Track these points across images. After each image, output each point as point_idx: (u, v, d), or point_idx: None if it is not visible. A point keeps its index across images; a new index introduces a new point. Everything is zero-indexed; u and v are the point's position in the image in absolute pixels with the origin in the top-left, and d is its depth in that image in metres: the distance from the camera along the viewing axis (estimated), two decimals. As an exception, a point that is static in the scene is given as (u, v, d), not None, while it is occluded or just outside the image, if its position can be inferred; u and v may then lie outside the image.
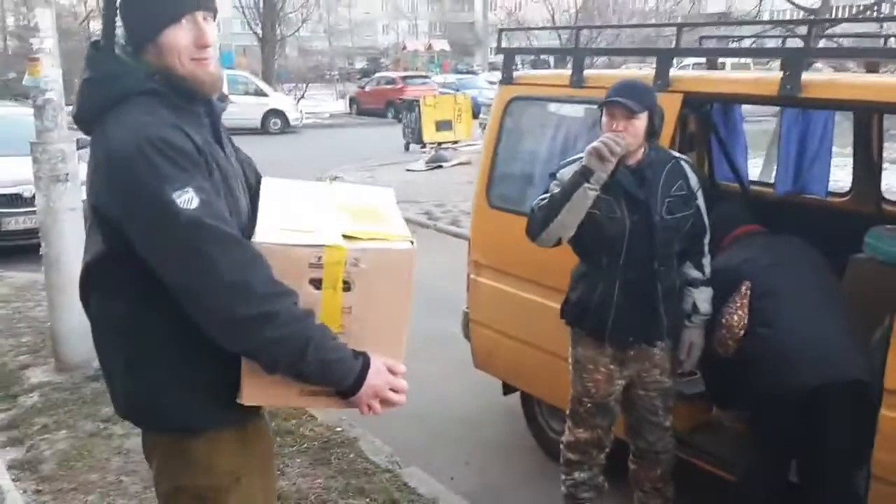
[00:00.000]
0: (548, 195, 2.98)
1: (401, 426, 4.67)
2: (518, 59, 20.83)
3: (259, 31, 28.71)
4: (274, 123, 22.74)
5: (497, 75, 4.90)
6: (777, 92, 3.00)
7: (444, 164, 15.26)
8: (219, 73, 1.76)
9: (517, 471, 4.21)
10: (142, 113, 1.64)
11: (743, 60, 16.66)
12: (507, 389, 4.45)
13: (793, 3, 10.36)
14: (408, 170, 15.05)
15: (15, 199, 8.22)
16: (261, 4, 28.39)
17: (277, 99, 23.99)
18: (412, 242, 1.80)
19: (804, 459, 3.06)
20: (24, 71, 4.94)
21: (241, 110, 21.88)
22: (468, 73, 38.89)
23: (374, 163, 15.89)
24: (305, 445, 4.12)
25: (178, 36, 1.68)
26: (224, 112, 1.90)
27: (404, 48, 46.50)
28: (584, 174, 2.83)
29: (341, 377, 1.72)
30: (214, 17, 1.75)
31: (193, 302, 1.63)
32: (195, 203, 1.59)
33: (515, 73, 4.20)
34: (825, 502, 2.97)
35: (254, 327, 1.62)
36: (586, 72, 3.76)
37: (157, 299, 1.66)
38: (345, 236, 1.75)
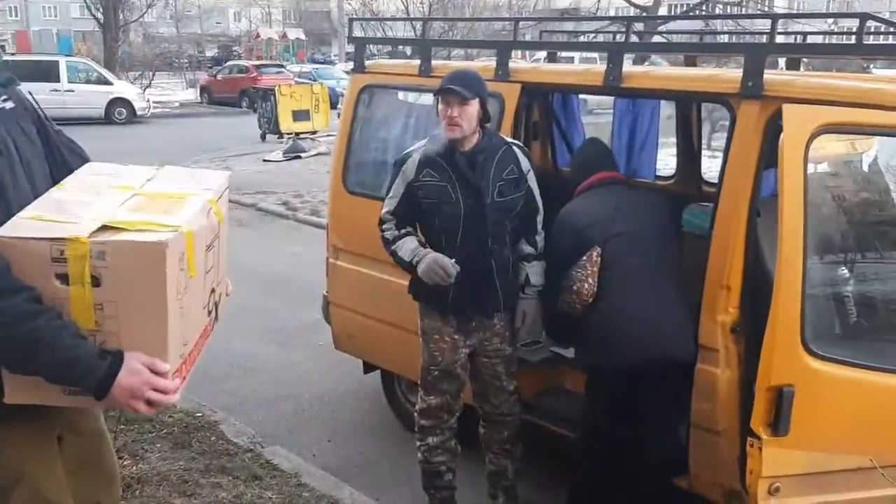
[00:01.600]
0: (394, 234, 3.28)
1: (263, 409, 4.75)
2: (375, 48, 20.43)
3: (100, 16, 27.22)
4: (119, 113, 21.69)
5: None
6: (602, 82, 3.33)
7: (302, 154, 15.08)
8: None
9: (378, 445, 4.38)
10: None
11: (589, 55, 17.41)
12: (368, 368, 4.58)
13: (628, 2, 11.06)
14: (265, 160, 14.78)
15: None
16: (102, -13, 26.96)
17: (122, 87, 22.87)
18: (190, 233, 1.73)
19: (634, 418, 3.37)
20: None
21: (82, 99, 20.85)
22: (325, 62, 38.48)
23: (229, 153, 15.51)
24: (165, 431, 4.12)
25: None
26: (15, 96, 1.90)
27: (257, 36, 45.28)
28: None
29: (81, 377, 1.65)
30: None
31: None
32: None
33: (367, 62, 4.35)
34: (652, 453, 3.25)
35: None
36: (434, 62, 3.96)
37: None
38: (105, 226, 1.64)
